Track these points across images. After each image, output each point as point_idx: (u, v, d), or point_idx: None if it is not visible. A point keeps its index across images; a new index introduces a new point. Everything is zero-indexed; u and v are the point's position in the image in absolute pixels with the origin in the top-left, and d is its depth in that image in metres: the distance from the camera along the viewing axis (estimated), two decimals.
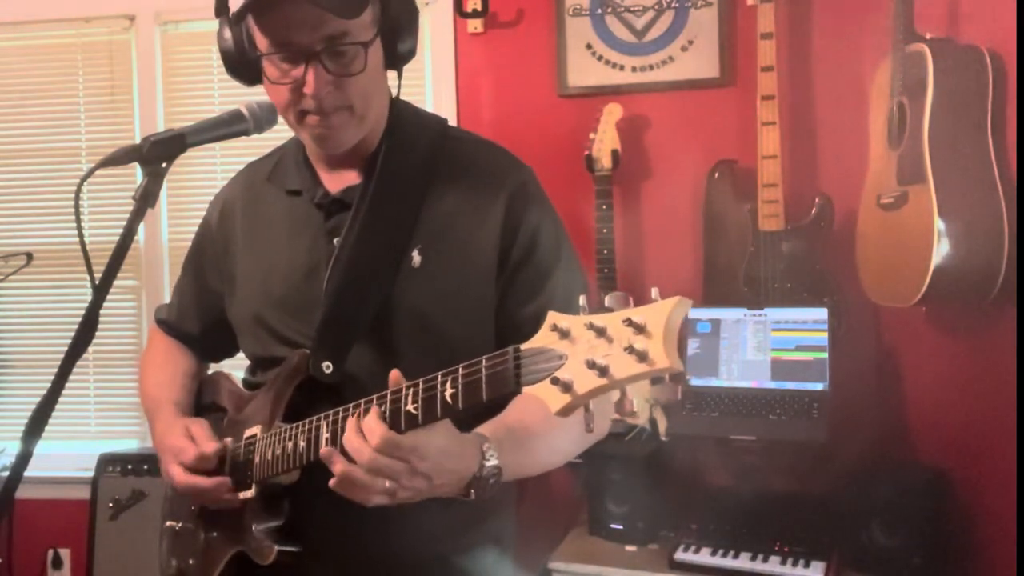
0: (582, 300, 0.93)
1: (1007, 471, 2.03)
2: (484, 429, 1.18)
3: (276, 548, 1.28)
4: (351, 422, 1.11)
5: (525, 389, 0.94)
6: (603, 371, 0.87)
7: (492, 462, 1.13)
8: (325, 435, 1.19)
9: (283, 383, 1.35)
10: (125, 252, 1.17)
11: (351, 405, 1.16)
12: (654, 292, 0.88)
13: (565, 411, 0.90)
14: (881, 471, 2.42)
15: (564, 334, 0.91)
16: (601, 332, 0.88)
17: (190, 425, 1.40)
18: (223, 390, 1.54)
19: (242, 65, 1.30)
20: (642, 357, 0.85)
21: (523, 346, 0.96)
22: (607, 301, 0.89)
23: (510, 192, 1.34)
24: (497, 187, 1.34)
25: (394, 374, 1.11)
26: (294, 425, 1.26)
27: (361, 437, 1.09)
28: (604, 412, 0.92)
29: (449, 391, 1.03)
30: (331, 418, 1.19)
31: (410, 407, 1.07)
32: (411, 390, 1.07)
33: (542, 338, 0.94)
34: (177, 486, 1.36)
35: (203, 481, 1.34)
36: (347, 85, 1.25)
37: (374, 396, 1.12)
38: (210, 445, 1.35)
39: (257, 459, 1.32)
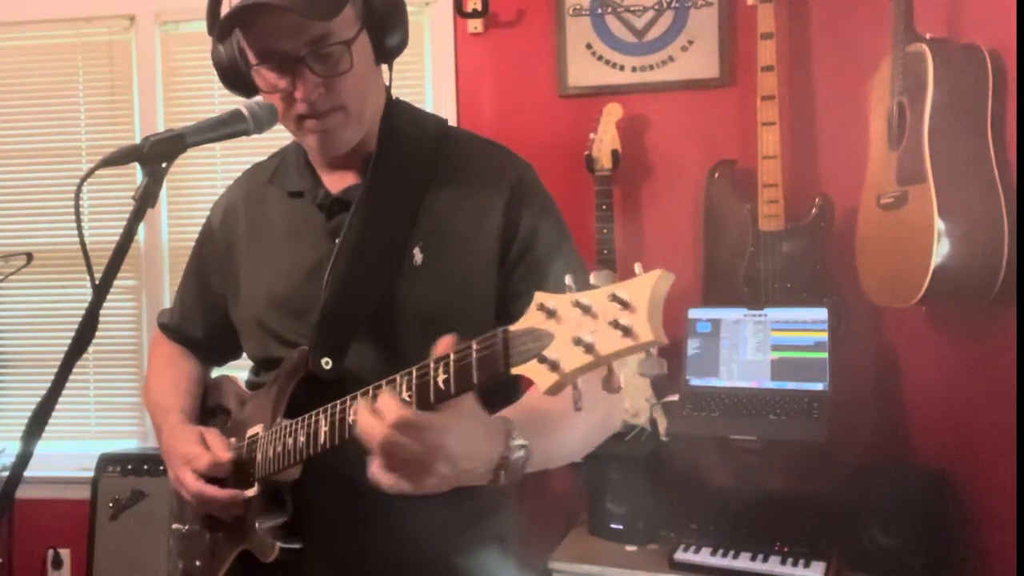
0: (568, 279, 0.92)
1: (1007, 471, 2.03)
2: (507, 412, 1.17)
3: (279, 545, 1.28)
4: (363, 402, 1.08)
5: (514, 370, 0.94)
6: (589, 348, 0.87)
7: (519, 442, 1.11)
8: (324, 428, 1.19)
9: (283, 381, 1.35)
10: (125, 252, 1.17)
11: (348, 397, 1.15)
12: (637, 267, 0.87)
13: (553, 389, 0.90)
14: (881, 471, 2.42)
15: (551, 313, 0.91)
16: (587, 309, 0.88)
17: (205, 434, 1.39)
18: (228, 393, 1.54)
19: (237, 79, 1.32)
20: (627, 332, 0.84)
21: (511, 327, 0.95)
22: (592, 279, 0.88)
23: (510, 187, 1.34)
24: (496, 183, 1.35)
25: (448, 338, 1.05)
26: (294, 421, 1.26)
27: (375, 416, 1.05)
28: (615, 406, 0.91)
29: (442, 377, 1.02)
30: (329, 411, 1.19)
31: (404, 395, 1.05)
32: (405, 378, 1.06)
33: (529, 318, 0.93)
34: (190, 493, 1.36)
35: (216, 491, 1.33)
36: (337, 85, 1.26)
37: (369, 387, 1.11)
38: (226, 453, 1.35)
39: (259, 457, 1.32)
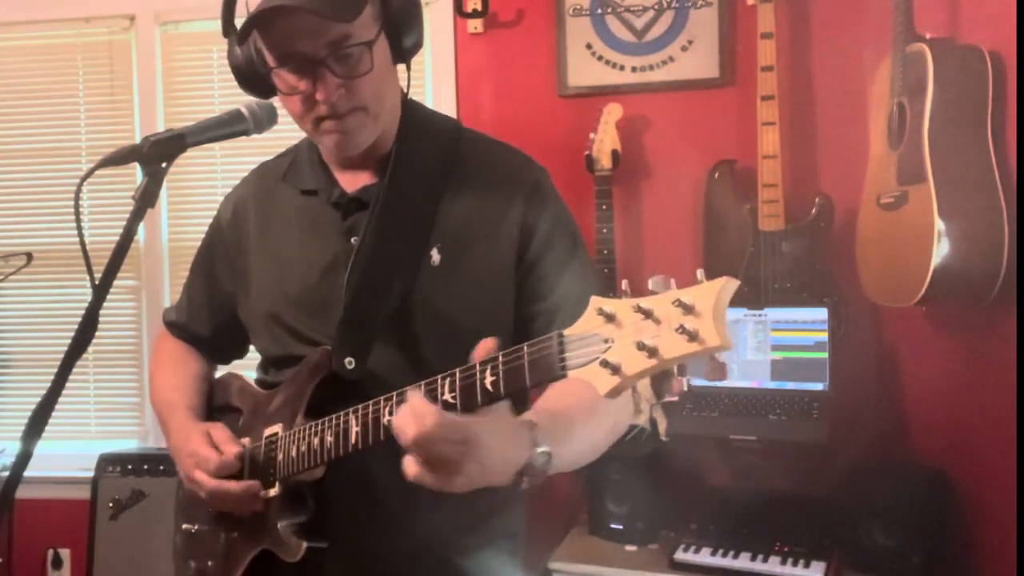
0: (624, 284, 0.94)
1: (1007, 471, 2.03)
2: (531, 415, 1.16)
3: (305, 544, 1.27)
4: (406, 403, 1.05)
5: (571, 373, 0.94)
6: (652, 352, 0.87)
7: (543, 448, 1.11)
8: (355, 429, 1.18)
9: (304, 380, 1.34)
10: (125, 252, 1.17)
11: (382, 398, 1.15)
12: (700, 274, 0.88)
13: (614, 392, 0.91)
14: (881, 471, 2.42)
15: (610, 318, 0.91)
16: (648, 314, 0.88)
17: (211, 430, 1.39)
18: (235, 390, 1.53)
19: (255, 80, 1.32)
20: (693, 337, 0.85)
21: (567, 331, 0.96)
22: (650, 284, 0.89)
23: (526, 191, 1.35)
24: (513, 186, 1.36)
25: (488, 342, 1.05)
26: (320, 421, 1.25)
27: (412, 419, 1.02)
28: (623, 412, 0.91)
29: (489, 379, 1.02)
30: (360, 412, 1.18)
31: (447, 396, 1.05)
32: (447, 380, 1.06)
33: (587, 322, 0.94)
34: (206, 491, 1.36)
35: (232, 486, 1.33)
36: (357, 86, 1.26)
37: (407, 388, 1.10)
38: (231, 449, 1.34)
39: (280, 457, 1.32)
